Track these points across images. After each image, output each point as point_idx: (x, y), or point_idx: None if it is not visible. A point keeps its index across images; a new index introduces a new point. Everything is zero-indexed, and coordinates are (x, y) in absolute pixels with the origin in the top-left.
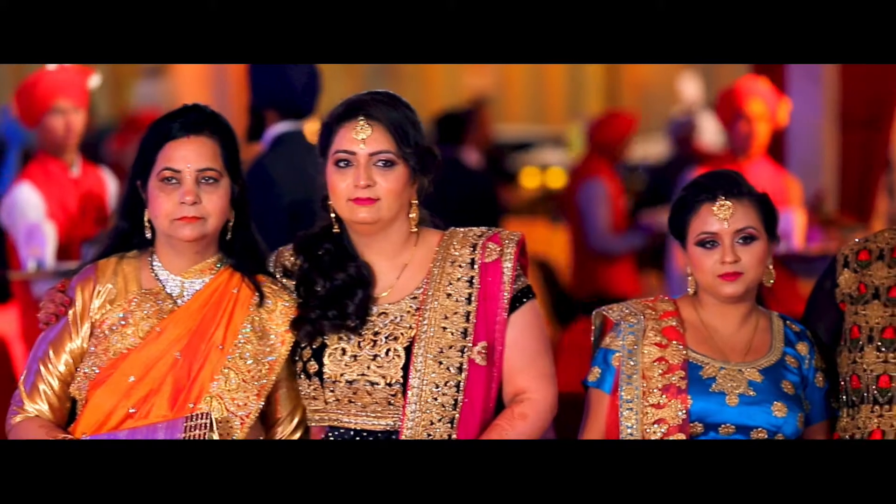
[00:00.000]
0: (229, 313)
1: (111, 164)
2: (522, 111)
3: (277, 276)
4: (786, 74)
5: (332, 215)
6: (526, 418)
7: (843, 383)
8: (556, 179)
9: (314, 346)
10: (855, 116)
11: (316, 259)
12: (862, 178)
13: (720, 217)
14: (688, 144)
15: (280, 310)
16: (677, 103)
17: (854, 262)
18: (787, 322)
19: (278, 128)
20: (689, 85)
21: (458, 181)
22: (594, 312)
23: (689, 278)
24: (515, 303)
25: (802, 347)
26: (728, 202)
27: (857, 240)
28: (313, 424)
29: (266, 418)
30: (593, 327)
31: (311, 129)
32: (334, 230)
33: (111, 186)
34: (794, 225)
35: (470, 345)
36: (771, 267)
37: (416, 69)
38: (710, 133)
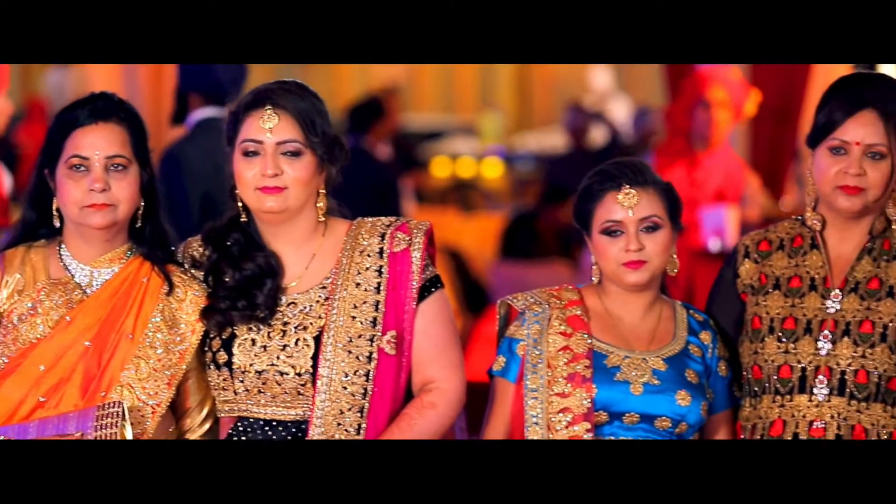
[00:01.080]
0: (139, 302)
1: (19, 153)
2: (433, 100)
3: (186, 266)
4: (695, 67)
5: (240, 205)
6: (435, 407)
7: (745, 373)
8: (467, 169)
9: (224, 337)
10: (764, 109)
11: (224, 249)
12: (771, 170)
13: (625, 205)
14: (582, 137)
15: (190, 299)
16: (588, 94)
17: (755, 252)
18: (691, 311)
19: (201, 113)
20: (600, 76)
21: (361, 171)
22: (499, 302)
23: (594, 267)
24: (424, 292)
25: (705, 336)
26: (633, 190)
27: (757, 230)
28: (223, 415)
29: (175, 409)
30: (498, 316)
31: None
32: (242, 220)
33: (6, 180)
34: (727, 222)
35: (379, 334)
36: (675, 256)
37: None
38: (620, 123)
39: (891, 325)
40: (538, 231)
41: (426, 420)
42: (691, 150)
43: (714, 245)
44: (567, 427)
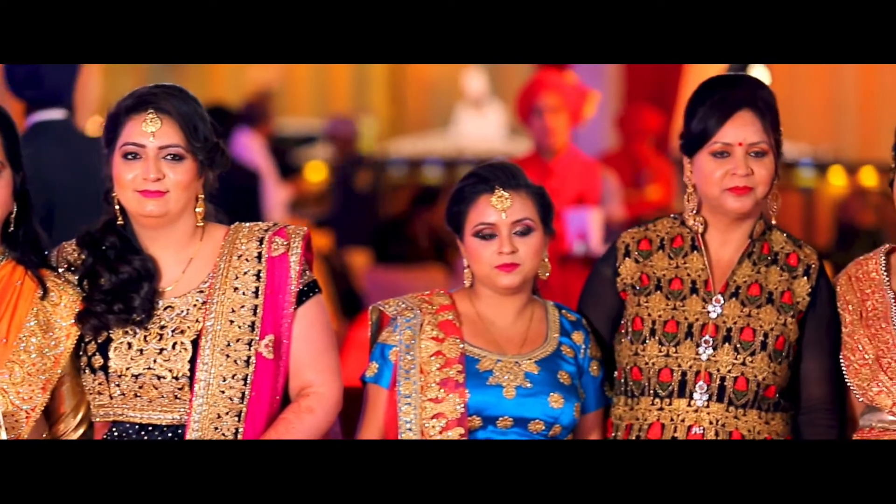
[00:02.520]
0: (13, 306)
1: None
2: (307, 105)
3: (60, 270)
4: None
5: (117, 208)
6: (313, 412)
7: (623, 373)
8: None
9: (99, 341)
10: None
11: (100, 253)
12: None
13: (498, 208)
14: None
15: (65, 303)
16: (462, 98)
17: (635, 250)
18: (563, 311)
19: (34, 117)
20: (474, 80)
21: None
22: (371, 307)
23: (466, 270)
24: (302, 297)
25: (578, 336)
26: (506, 194)
27: (636, 227)
28: (97, 420)
29: (49, 414)
30: (370, 322)
31: (94, 121)
32: (119, 223)
33: None
34: (591, 225)
35: (257, 338)
36: (546, 259)
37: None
38: (494, 128)
39: (771, 332)
40: (411, 236)
41: (304, 424)
42: (541, 160)
43: (578, 248)
44: (441, 432)
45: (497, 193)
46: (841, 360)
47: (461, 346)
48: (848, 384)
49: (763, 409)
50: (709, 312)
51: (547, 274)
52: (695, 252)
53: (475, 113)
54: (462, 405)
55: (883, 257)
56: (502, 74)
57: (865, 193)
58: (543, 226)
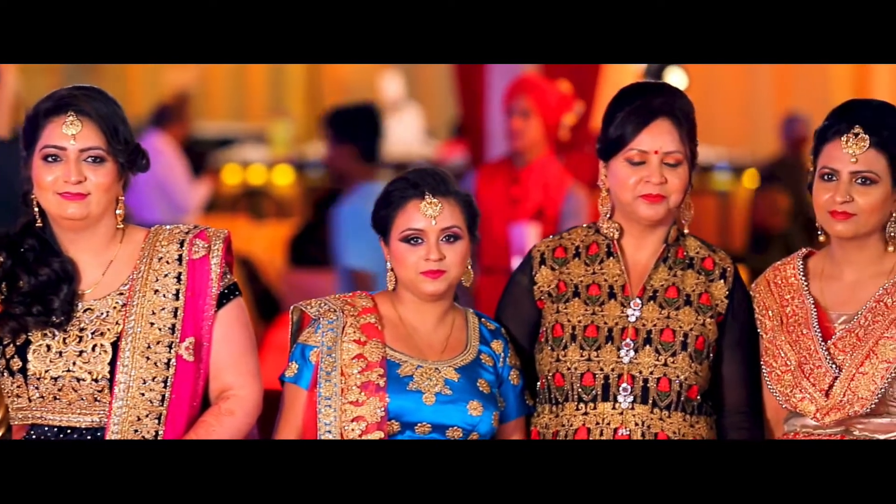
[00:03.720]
0: None
1: None
2: (224, 108)
3: None
4: (486, 74)
5: (36, 210)
6: (233, 414)
7: (545, 381)
8: (258, 176)
9: (18, 343)
10: None
11: (19, 255)
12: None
13: (427, 214)
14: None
15: None
16: (379, 101)
17: (551, 259)
18: (483, 320)
19: None
20: (391, 84)
21: None
22: (292, 308)
23: (389, 274)
24: (222, 299)
25: (497, 345)
26: (436, 200)
27: (551, 237)
28: (16, 423)
29: None
30: (291, 322)
31: None
32: (38, 225)
33: None
34: (528, 241)
35: (177, 340)
36: (470, 267)
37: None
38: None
39: (690, 333)
40: (325, 238)
41: (224, 427)
42: (512, 166)
43: (516, 263)
44: (360, 436)
45: (427, 199)
46: (762, 367)
47: (383, 349)
48: (770, 390)
49: (687, 412)
50: (628, 316)
51: (470, 281)
52: (611, 258)
53: (392, 116)
54: (382, 409)
55: (800, 262)
56: (419, 77)
57: (775, 197)
58: (469, 233)
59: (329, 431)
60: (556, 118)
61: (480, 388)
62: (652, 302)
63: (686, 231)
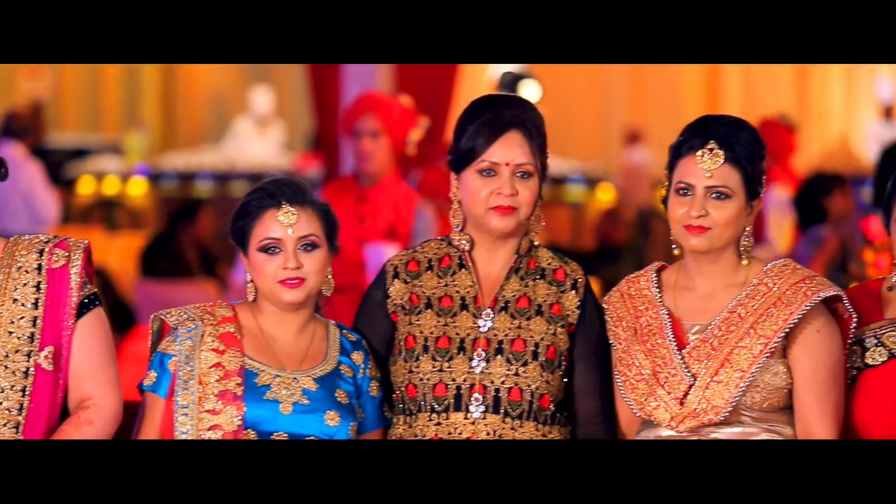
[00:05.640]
0: None
1: None
2: (78, 118)
3: None
4: (340, 87)
5: None
6: (92, 424)
7: (399, 392)
8: (112, 187)
9: None
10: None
11: None
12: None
13: (284, 223)
14: None
15: None
16: (245, 112)
17: (404, 272)
18: (344, 331)
19: None
20: (261, 97)
21: None
22: (152, 317)
23: (249, 285)
24: (82, 309)
25: (357, 356)
26: (292, 209)
27: (404, 251)
28: None
29: None
30: (151, 331)
31: None
32: None
33: None
34: (385, 259)
35: (36, 349)
36: (330, 277)
37: None
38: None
39: (542, 342)
40: (177, 250)
41: (83, 436)
42: (358, 185)
43: None
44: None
45: (283, 209)
46: (616, 376)
47: (241, 359)
48: (625, 399)
49: (539, 422)
50: (479, 327)
51: (330, 291)
52: (463, 270)
53: (257, 129)
54: (239, 418)
55: (654, 274)
56: (284, 91)
57: (617, 211)
58: (328, 242)
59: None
60: (403, 135)
61: (338, 399)
62: (503, 312)
63: (537, 242)
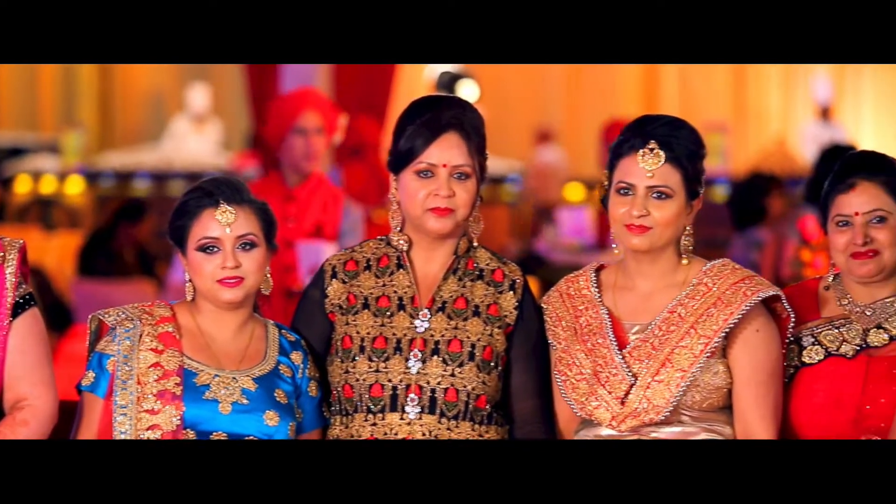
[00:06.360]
0: None
1: None
2: (15, 117)
3: None
4: (278, 85)
5: None
6: (27, 425)
7: (335, 392)
8: (49, 186)
9: None
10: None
11: None
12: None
13: (222, 222)
14: None
15: None
16: (179, 112)
17: (342, 272)
18: (283, 331)
19: None
20: (198, 95)
21: None
22: (90, 316)
23: (188, 284)
24: (17, 309)
25: (296, 356)
26: (230, 208)
27: (343, 251)
28: None
29: None
30: (89, 331)
31: None
32: None
33: None
34: (321, 257)
35: None
36: (269, 276)
37: None
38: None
39: (478, 343)
40: (115, 249)
41: (18, 437)
42: (283, 184)
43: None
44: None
45: (221, 208)
46: (556, 375)
47: (180, 358)
48: (565, 399)
49: (476, 422)
50: (416, 327)
51: (269, 289)
52: (401, 270)
53: (194, 127)
54: (178, 417)
55: (593, 274)
56: (221, 89)
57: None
58: (266, 241)
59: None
60: (332, 131)
61: (277, 399)
62: (441, 313)
63: (476, 243)
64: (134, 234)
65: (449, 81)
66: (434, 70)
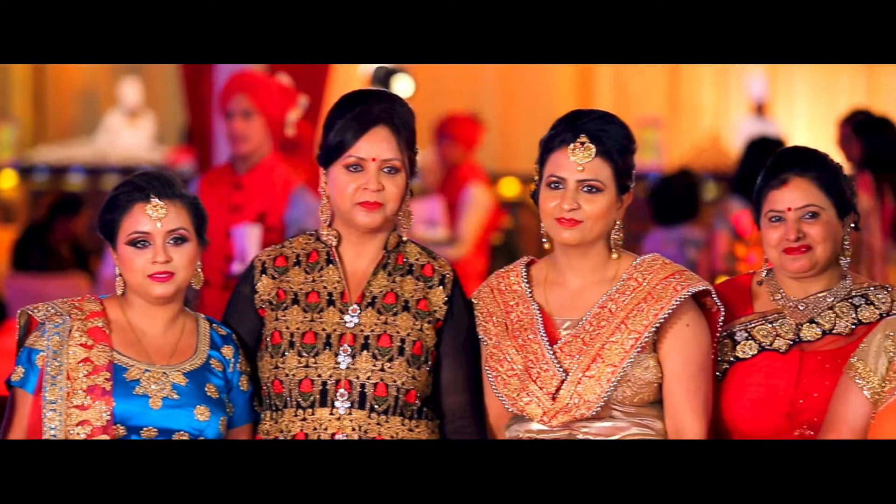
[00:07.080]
0: None
1: None
2: None
3: None
4: (213, 79)
5: None
6: None
7: (265, 388)
8: None
9: None
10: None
11: None
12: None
13: (153, 217)
14: None
15: None
16: (113, 106)
17: (272, 268)
18: (214, 325)
19: None
20: (130, 89)
21: None
22: (19, 311)
23: (118, 278)
24: None
25: (227, 351)
26: (161, 203)
27: (273, 246)
28: None
29: None
30: (18, 326)
31: None
32: None
33: None
34: (248, 242)
35: None
36: (199, 270)
37: None
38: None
39: (408, 338)
40: (50, 244)
41: None
42: (233, 172)
43: (237, 269)
44: (85, 440)
45: (152, 202)
46: (487, 371)
47: (110, 353)
48: (496, 394)
49: (406, 417)
50: (346, 322)
51: (200, 284)
52: (330, 265)
53: (127, 122)
54: (108, 413)
55: (523, 269)
56: (150, 83)
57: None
58: (197, 236)
59: (54, 436)
60: (280, 115)
61: (208, 393)
62: (370, 308)
63: (406, 238)
64: (70, 228)
65: (384, 76)
66: (369, 65)
